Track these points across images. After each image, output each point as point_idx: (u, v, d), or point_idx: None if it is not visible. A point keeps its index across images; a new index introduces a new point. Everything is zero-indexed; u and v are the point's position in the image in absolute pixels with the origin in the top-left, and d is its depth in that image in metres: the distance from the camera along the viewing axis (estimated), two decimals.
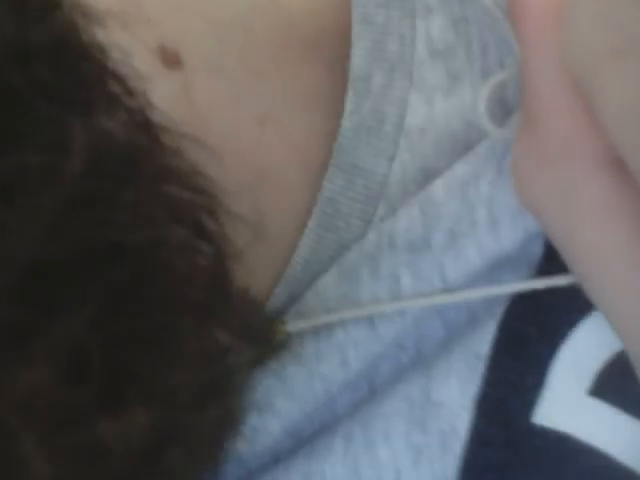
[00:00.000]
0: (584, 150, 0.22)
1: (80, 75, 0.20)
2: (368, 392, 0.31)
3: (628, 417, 0.28)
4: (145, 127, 0.21)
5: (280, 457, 0.31)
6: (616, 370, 0.28)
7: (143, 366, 0.20)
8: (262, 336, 0.25)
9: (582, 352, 0.29)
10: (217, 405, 0.23)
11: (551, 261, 0.29)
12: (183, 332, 0.21)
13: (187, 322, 0.21)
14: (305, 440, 0.31)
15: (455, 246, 0.28)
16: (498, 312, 0.29)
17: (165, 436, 0.21)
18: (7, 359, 0.17)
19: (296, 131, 0.30)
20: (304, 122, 0.30)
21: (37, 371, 0.18)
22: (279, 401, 0.30)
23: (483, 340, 0.29)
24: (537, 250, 0.29)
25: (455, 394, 0.29)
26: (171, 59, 0.27)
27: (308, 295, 0.30)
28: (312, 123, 0.30)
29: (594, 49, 0.20)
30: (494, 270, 0.29)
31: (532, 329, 0.29)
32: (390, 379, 0.30)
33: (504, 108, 0.29)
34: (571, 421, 0.29)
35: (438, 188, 0.29)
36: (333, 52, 0.30)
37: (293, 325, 0.30)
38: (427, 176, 0.29)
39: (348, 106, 0.29)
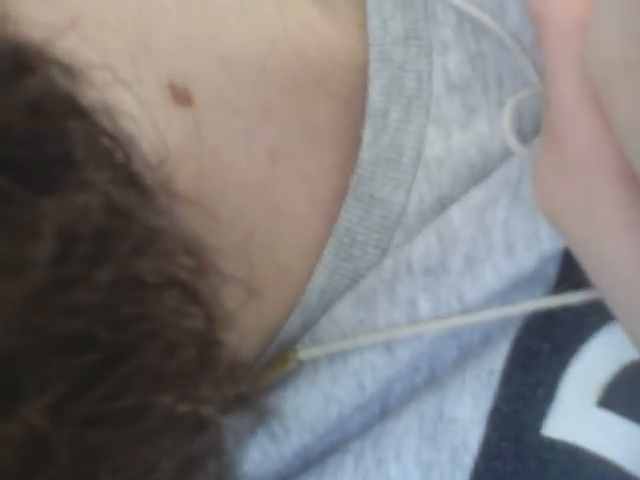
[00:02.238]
0: (605, 162, 0.22)
1: (51, 144, 0.19)
2: (380, 412, 0.31)
3: (636, 427, 0.29)
4: (130, 190, 0.20)
5: (289, 477, 0.31)
6: (624, 382, 0.30)
7: (116, 446, 0.19)
8: (249, 404, 0.25)
9: (591, 365, 0.30)
10: (210, 468, 0.22)
11: (565, 281, 0.30)
12: (161, 409, 0.20)
13: (166, 398, 0.20)
14: (315, 459, 0.31)
15: (472, 270, 0.29)
16: (512, 331, 0.30)
17: None
18: None
19: (308, 164, 0.30)
20: (316, 156, 0.30)
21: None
22: (292, 426, 0.31)
23: (497, 357, 0.30)
24: (551, 271, 0.30)
25: (468, 410, 0.30)
26: (182, 96, 0.27)
27: (323, 322, 0.31)
28: (325, 157, 0.30)
29: (611, 61, 0.20)
30: (510, 292, 0.30)
31: (545, 345, 0.30)
32: (403, 399, 0.31)
33: (523, 131, 0.29)
34: (580, 432, 0.30)
35: (454, 214, 0.29)
36: (347, 87, 0.30)
37: (306, 353, 0.30)
38: (444, 204, 0.30)
39: (366, 139, 0.30)
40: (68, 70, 0.19)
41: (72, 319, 0.18)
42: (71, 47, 0.20)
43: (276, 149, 0.29)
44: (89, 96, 0.20)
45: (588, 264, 0.24)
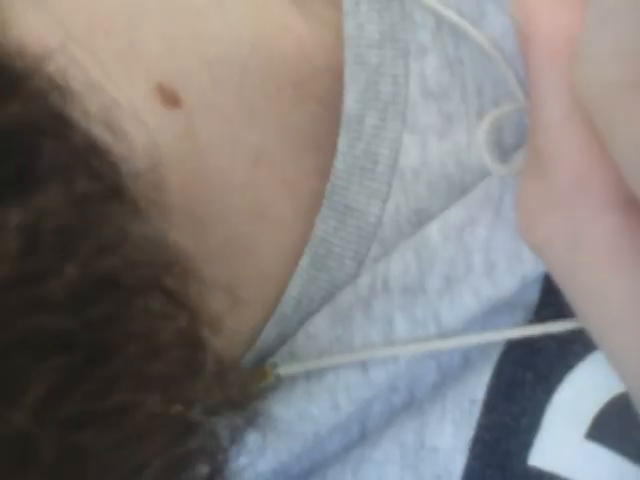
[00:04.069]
0: (593, 190, 0.21)
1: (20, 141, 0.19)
2: (359, 433, 0.30)
3: (626, 461, 0.28)
4: (100, 190, 0.20)
5: None
6: (614, 414, 0.28)
7: (101, 447, 0.19)
8: (237, 404, 0.24)
9: (578, 395, 0.28)
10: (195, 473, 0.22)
11: (547, 306, 0.28)
12: (146, 410, 0.20)
13: (152, 398, 0.20)
14: None
15: (450, 291, 0.28)
16: (493, 356, 0.29)
17: None
18: None
19: (289, 169, 0.29)
20: (297, 160, 0.29)
21: None
22: (267, 440, 0.30)
23: (478, 385, 0.29)
24: (533, 295, 0.28)
25: (449, 439, 0.29)
26: (170, 99, 0.27)
27: (299, 336, 0.30)
28: (305, 161, 0.29)
29: (608, 80, 0.19)
30: (490, 315, 0.28)
31: (528, 374, 0.28)
32: (382, 421, 0.30)
33: (503, 145, 0.28)
34: (569, 465, 0.28)
35: (433, 232, 0.28)
36: (326, 92, 0.29)
37: (284, 369, 0.29)
38: (421, 217, 0.29)
39: (341, 147, 0.29)
40: (57, 82, 0.20)
41: (42, 314, 0.18)
42: (61, 50, 0.20)
43: (258, 152, 0.29)
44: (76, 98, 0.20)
45: (573, 296, 0.23)
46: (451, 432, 0.29)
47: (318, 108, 0.29)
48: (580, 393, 0.28)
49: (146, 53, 0.27)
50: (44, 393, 0.18)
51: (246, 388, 0.26)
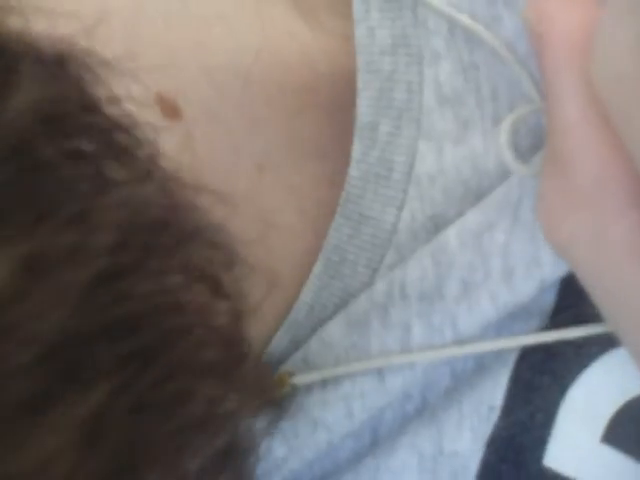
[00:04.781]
0: (614, 188, 0.21)
1: (109, 139, 0.20)
2: (370, 440, 0.30)
3: None
4: (170, 187, 0.21)
5: None
6: (631, 417, 0.28)
7: (159, 431, 0.20)
8: (271, 397, 0.25)
9: (593, 394, 0.28)
10: (231, 469, 0.23)
11: (564, 310, 0.28)
12: (199, 396, 0.21)
13: (204, 386, 0.21)
14: None
15: (468, 297, 0.28)
16: (509, 361, 0.29)
17: None
18: (28, 425, 0.18)
19: (295, 177, 0.29)
20: (303, 168, 0.29)
21: (56, 437, 0.18)
22: (280, 449, 0.30)
23: (495, 391, 0.28)
24: (550, 299, 0.28)
25: (468, 443, 0.29)
26: (170, 110, 0.26)
27: (313, 342, 0.29)
28: (311, 169, 0.29)
29: (623, 76, 0.19)
30: (506, 320, 0.28)
31: (545, 378, 0.28)
32: (394, 427, 0.30)
33: (520, 147, 0.28)
34: (584, 468, 0.28)
35: (451, 237, 0.28)
36: (332, 99, 0.29)
37: (301, 378, 0.29)
38: (437, 224, 0.28)
39: (355, 155, 0.28)
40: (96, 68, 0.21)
41: (125, 305, 0.19)
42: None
43: (263, 160, 0.29)
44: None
45: (598, 295, 0.23)
46: (470, 437, 0.29)
47: (323, 116, 0.29)
48: (594, 392, 0.28)
49: (146, 63, 0.26)
50: (118, 379, 0.18)
51: (269, 386, 0.27)
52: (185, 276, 0.21)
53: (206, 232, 0.22)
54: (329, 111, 0.29)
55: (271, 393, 0.25)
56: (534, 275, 0.27)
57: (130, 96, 0.23)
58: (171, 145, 0.26)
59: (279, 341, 0.30)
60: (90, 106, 0.20)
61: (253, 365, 0.23)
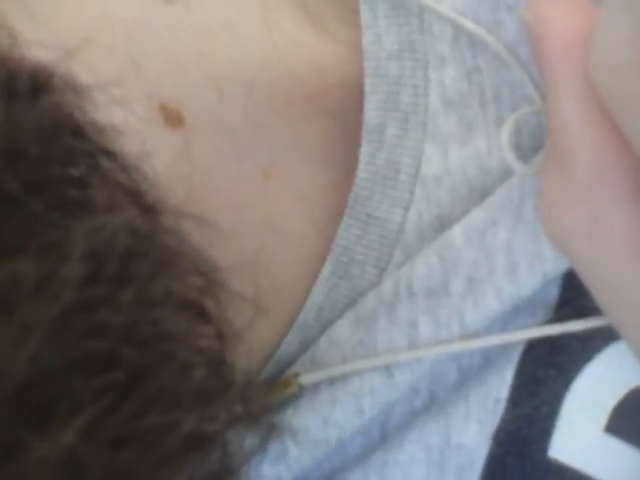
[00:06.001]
0: (612, 181, 0.21)
1: (75, 164, 0.19)
2: (379, 435, 0.31)
3: None
4: (146, 212, 0.20)
5: None
6: (633, 407, 0.29)
7: (142, 465, 0.19)
8: (261, 420, 0.25)
9: (596, 385, 0.29)
10: None
11: (567, 304, 0.29)
12: (183, 429, 0.20)
13: (187, 416, 0.20)
14: None
15: (474, 292, 0.28)
16: (515, 355, 0.29)
17: None
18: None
19: (302, 183, 0.30)
20: (310, 175, 0.30)
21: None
22: (291, 448, 0.30)
23: (501, 384, 0.29)
24: (553, 293, 0.29)
25: (474, 436, 0.29)
26: (173, 118, 0.27)
27: (322, 341, 0.30)
28: (318, 175, 0.30)
29: (621, 67, 0.20)
30: (511, 314, 0.29)
31: (550, 370, 0.29)
32: (402, 422, 0.30)
33: (522, 147, 0.28)
34: (588, 459, 0.29)
35: (456, 234, 0.29)
36: (339, 104, 0.29)
37: (307, 377, 0.30)
38: (443, 223, 0.29)
39: (362, 157, 0.29)
40: (78, 92, 0.20)
41: (98, 338, 0.18)
42: (64, 69, 0.20)
43: (269, 167, 0.29)
44: (95, 117, 0.20)
45: (597, 289, 0.23)
46: (476, 430, 0.29)
47: (331, 122, 0.30)
48: (598, 383, 0.29)
49: (150, 72, 0.27)
50: (94, 413, 0.18)
51: (264, 401, 0.27)
52: (165, 304, 0.20)
53: (187, 258, 0.21)
54: (336, 117, 0.30)
55: (259, 412, 0.25)
56: (537, 270, 0.28)
57: (130, 105, 0.23)
58: (171, 153, 0.26)
59: (289, 344, 0.30)
60: (72, 131, 0.20)
61: (241, 386, 0.22)
